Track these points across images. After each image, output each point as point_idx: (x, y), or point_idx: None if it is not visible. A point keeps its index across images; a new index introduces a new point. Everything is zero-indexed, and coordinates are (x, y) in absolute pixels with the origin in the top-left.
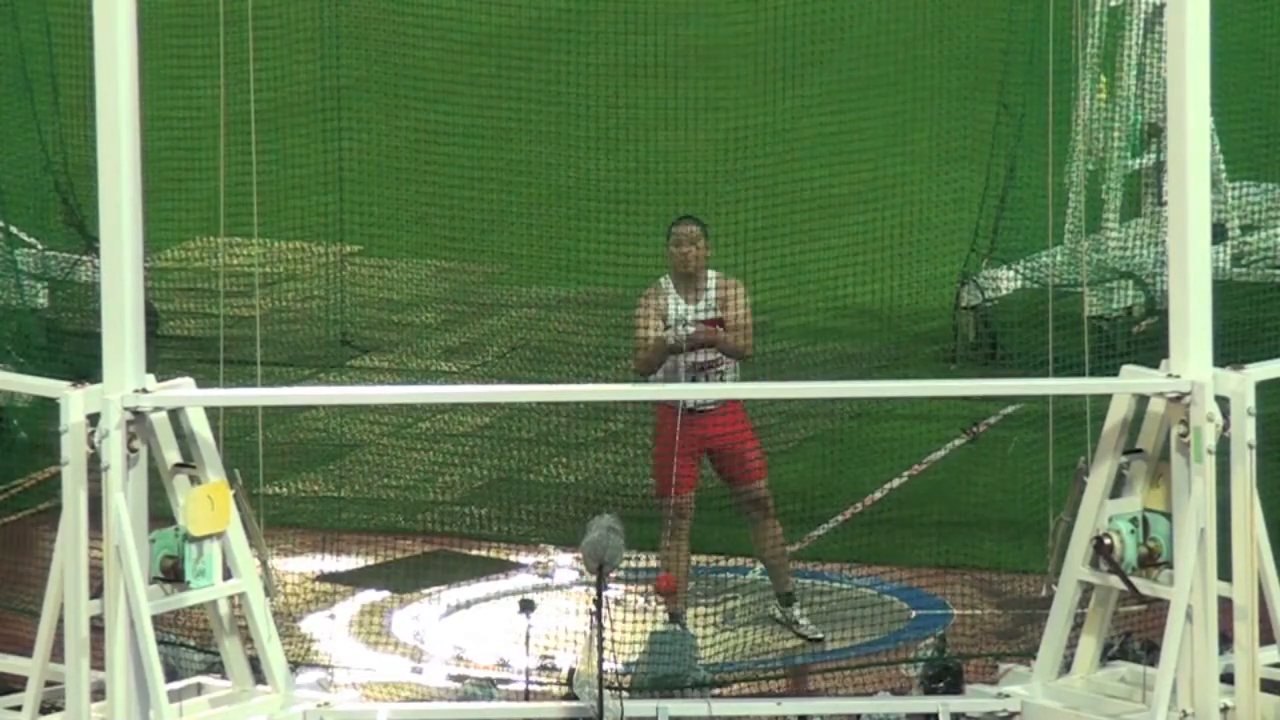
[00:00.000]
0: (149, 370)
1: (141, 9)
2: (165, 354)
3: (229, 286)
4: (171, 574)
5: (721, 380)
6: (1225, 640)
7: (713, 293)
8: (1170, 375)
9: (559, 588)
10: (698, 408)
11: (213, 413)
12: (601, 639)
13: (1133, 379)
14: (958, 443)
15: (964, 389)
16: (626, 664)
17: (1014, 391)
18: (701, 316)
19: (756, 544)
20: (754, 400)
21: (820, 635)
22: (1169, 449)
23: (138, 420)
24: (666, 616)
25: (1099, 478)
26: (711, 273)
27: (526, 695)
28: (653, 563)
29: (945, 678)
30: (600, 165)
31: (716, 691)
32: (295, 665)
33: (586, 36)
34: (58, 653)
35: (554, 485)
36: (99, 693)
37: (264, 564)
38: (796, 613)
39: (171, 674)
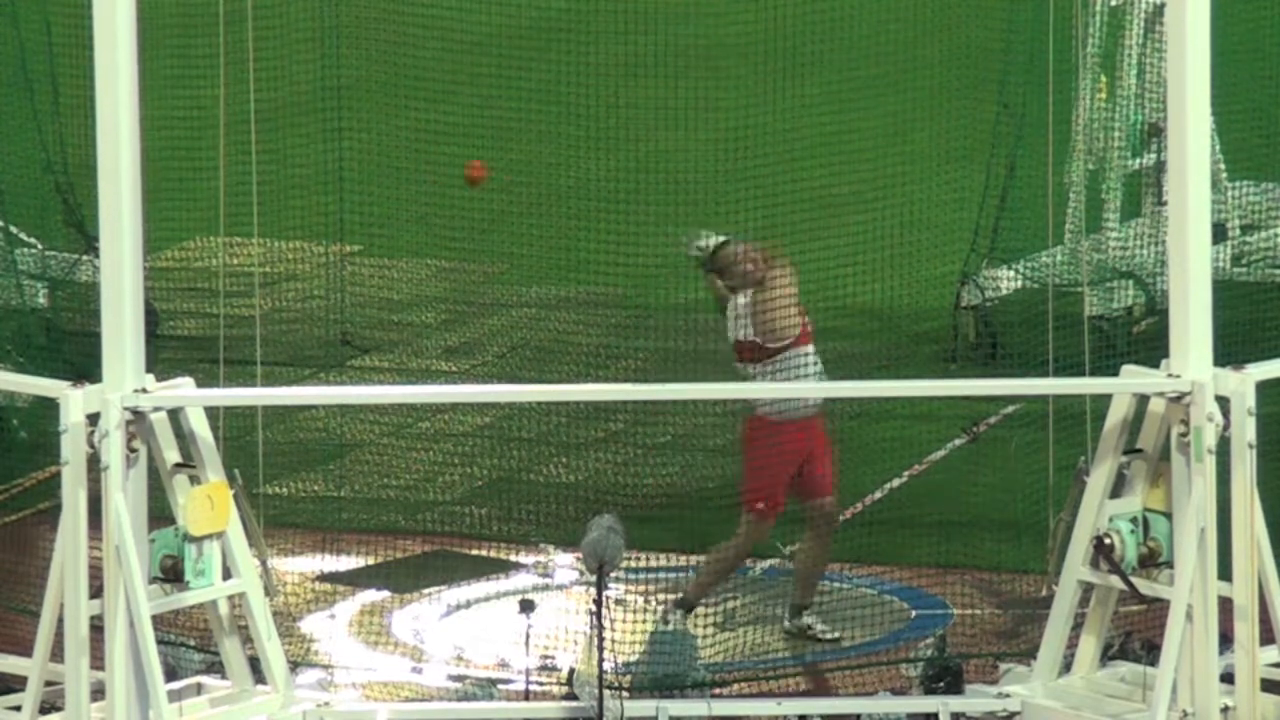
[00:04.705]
0: (149, 370)
1: (141, 9)
2: (165, 354)
3: (229, 286)
4: (171, 574)
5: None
6: (1225, 640)
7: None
8: (1170, 375)
9: (559, 588)
10: (816, 403)
11: (213, 413)
12: (601, 639)
13: (1133, 379)
14: (958, 443)
15: (964, 389)
16: (626, 664)
17: (1014, 391)
18: None
19: (802, 552)
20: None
21: (837, 635)
22: (1169, 449)
23: (138, 420)
24: (674, 606)
25: (1099, 478)
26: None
27: (526, 695)
28: (652, 562)
29: (945, 678)
30: (600, 165)
31: (716, 691)
32: (295, 665)
33: (586, 36)
34: (58, 653)
35: (554, 485)
36: (99, 693)
37: (264, 564)
38: (807, 620)
39: (171, 674)
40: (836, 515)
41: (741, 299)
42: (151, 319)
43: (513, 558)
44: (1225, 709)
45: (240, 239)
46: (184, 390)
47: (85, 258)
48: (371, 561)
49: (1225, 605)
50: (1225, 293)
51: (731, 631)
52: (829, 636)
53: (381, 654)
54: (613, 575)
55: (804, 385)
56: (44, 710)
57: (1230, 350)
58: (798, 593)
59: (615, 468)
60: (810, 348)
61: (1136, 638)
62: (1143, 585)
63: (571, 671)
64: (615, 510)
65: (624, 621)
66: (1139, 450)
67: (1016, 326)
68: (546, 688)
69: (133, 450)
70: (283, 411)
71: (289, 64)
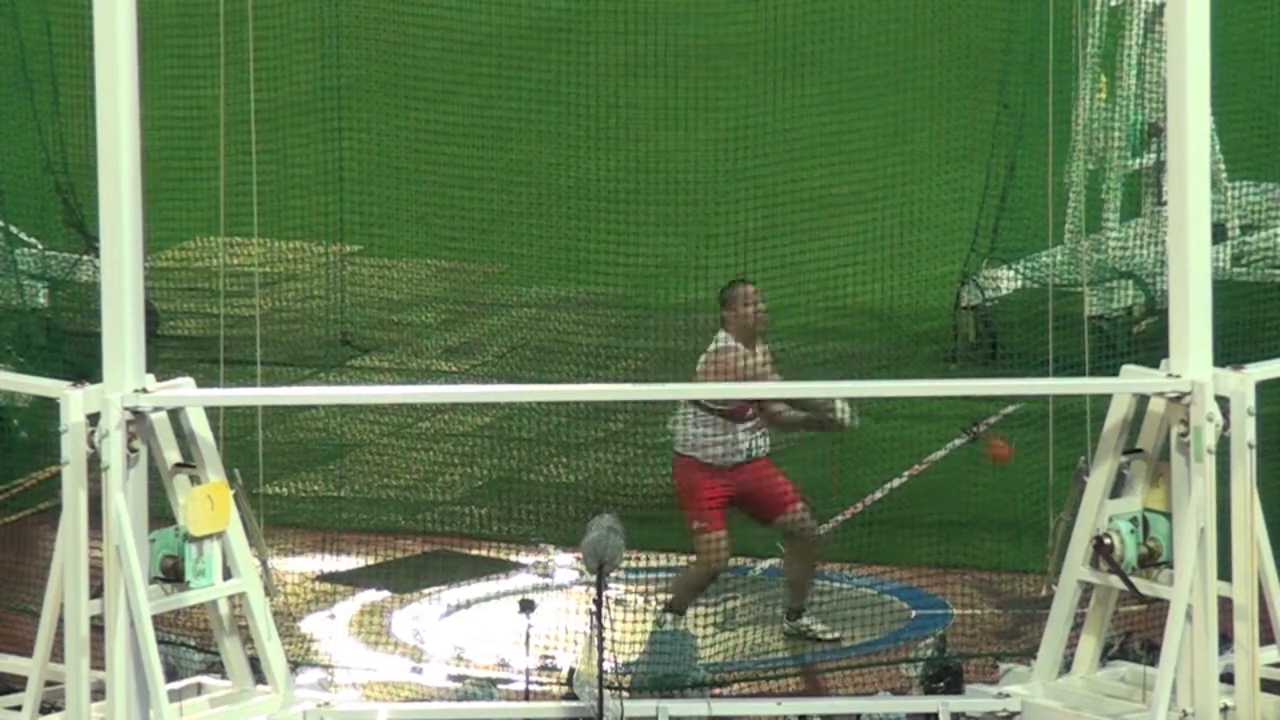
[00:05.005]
0: (149, 370)
1: (141, 9)
2: (165, 354)
3: (229, 286)
4: (171, 574)
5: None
6: (1225, 640)
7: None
8: (1170, 375)
9: (559, 588)
10: (739, 459)
11: (213, 413)
12: (601, 639)
13: (1133, 379)
14: (958, 443)
15: (964, 389)
16: (626, 664)
17: (1014, 391)
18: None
19: (787, 562)
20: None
21: (837, 635)
22: (1169, 449)
23: (138, 420)
24: (664, 610)
25: (1099, 478)
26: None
27: (526, 695)
28: (652, 562)
29: (945, 678)
30: (600, 165)
31: (716, 691)
32: (295, 665)
33: (586, 36)
34: (58, 653)
35: (554, 485)
36: (99, 693)
37: (264, 564)
38: (806, 621)
39: (171, 674)
40: (810, 524)
41: (722, 337)
42: (151, 319)
43: (513, 558)
44: (1225, 709)
45: (240, 239)
46: (184, 390)
47: (85, 258)
48: (371, 561)
49: (1225, 605)
50: (1225, 293)
51: (731, 631)
52: (829, 637)
53: (381, 654)
54: (613, 575)
55: (803, 385)
56: (44, 710)
57: (1230, 350)
58: (791, 597)
59: (615, 468)
60: (746, 425)
61: (1136, 638)
62: (1143, 585)
63: (571, 671)
64: (615, 510)
65: (624, 621)
66: (1139, 450)
67: (1016, 326)
68: (546, 688)
69: (133, 450)
70: (283, 411)
71: (289, 64)
